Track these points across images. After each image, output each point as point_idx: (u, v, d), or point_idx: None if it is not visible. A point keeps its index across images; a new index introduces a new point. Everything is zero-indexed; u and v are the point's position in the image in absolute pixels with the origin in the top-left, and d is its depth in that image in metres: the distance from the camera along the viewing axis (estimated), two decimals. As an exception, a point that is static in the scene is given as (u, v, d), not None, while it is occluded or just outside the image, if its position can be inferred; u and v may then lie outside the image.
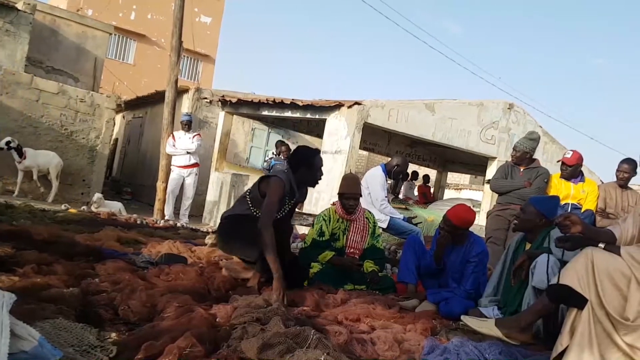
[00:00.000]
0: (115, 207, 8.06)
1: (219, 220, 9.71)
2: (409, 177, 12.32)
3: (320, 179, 3.65)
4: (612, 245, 2.49)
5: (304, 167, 3.52)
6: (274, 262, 3.10)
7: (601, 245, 2.52)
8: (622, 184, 4.96)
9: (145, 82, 18.44)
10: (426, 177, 12.97)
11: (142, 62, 19.85)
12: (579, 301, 2.31)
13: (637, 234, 2.48)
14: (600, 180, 8.88)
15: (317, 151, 3.65)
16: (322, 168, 3.63)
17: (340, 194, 4.20)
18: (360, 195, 4.22)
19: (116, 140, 15.37)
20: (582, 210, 4.84)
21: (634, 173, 4.94)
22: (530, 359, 2.61)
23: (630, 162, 4.89)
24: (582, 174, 5.05)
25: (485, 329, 2.82)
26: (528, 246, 3.49)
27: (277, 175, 3.45)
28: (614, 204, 4.90)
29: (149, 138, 13.10)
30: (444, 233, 3.73)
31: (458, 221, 3.68)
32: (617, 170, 4.96)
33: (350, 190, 4.14)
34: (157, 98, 12.07)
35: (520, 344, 2.75)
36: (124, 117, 15.54)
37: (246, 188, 9.14)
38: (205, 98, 11.27)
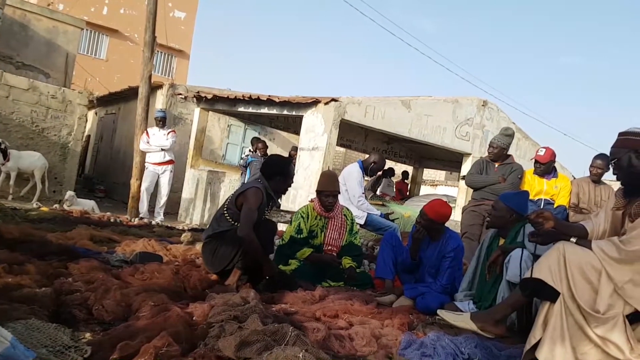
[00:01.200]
0: (88, 205, 7.92)
1: (195, 218, 9.60)
2: (390, 175, 12.38)
3: (290, 186, 3.78)
4: (583, 239, 2.55)
5: (280, 176, 3.61)
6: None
7: (573, 239, 2.58)
8: (596, 179, 5.03)
9: (118, 78, 18.14)
10: (405, 174, 13.02)
11: (115, 57, 19.52)
12: (552, 294, 2.35)
13: (609, 228, 2.54)
14: (573, 176, 9.07)
15: (290, 160, 3.79)
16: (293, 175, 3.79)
17: (318, 191, 4.20)
18: (339, 193, 4.23)
19: (88, 137, 15.10)
20: (555, 205, 4.93)
21: (607, 169, 5.02)
22: (505, 352, 2.66)
23: (603, 157, 4.97)
24: (555, 170, 5.14)
25: (460, 322, 2.86)
26: (502, 241, 3.56)
27: (253, 185, 3.52)
28: (587, 199, 4.98)
29: (122, 135, 12.89)
30: (419, 227, 3.77)
31: (435, 215, 3.72)
32: (591, 166, 5.01)
33: (328, 187, 4.15)
34: (130, 94, 11.89)
35: (494, 337, 2.80)
36: (96, 113, 15.26)
37: (222, 185, 9.13)
38: (180, 94, 11.13)
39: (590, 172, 5.04)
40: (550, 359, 2.28)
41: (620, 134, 2.48)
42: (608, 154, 5.07)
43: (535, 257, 2.68)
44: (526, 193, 4.04)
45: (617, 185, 2.60)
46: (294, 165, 7.72)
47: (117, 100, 13.65)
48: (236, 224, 3.45)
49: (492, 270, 3.41)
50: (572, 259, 2.34)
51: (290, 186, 3.77)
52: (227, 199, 3.64)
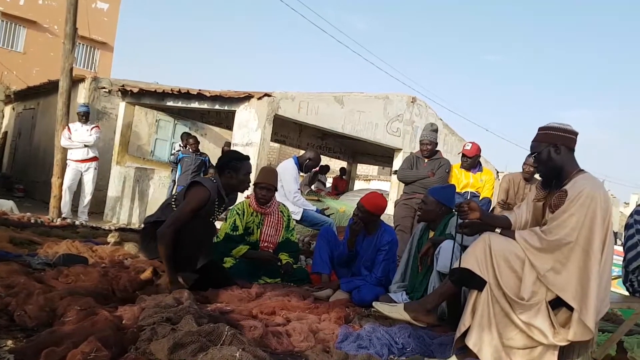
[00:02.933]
0: (6, 205, 7.39)
1: (122, 217, 9.24)
2: (326, 172, 12.40)
3: (248, 185, 3.56)
4: (507, 230, 2.68)
5: (230, 170, 3.41)
6: (170, 269, 3.07)
7: (498, 230, 2.71)
8: (528, 177, 5.24)
9: (37, 71, 17.15)
10: (342, 170, 13.04)
11: (33, 50, 18.41)
12: (479, 283, 2.46)
13: (530, 219, 2.68)
14: (496, 170, 9.54)
15: (245, 157, 3.55)
16: (249, 173, 3.52)
17: (255, 184, 4.16)
18: (275, 188, 4.19)
19: (5, 133, 14.17)
20: (480, 198, 5.16)
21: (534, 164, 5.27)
22: (437, 340, 2.75)
23: None
24: (480, 164, 5.38)
25: (394, 313, 2.93)
26: (432, 234, 3.68)
27: (203, 183, 3.30)
28: (516, 195, 5.22)
29: (42, 131, 12.18)
30: (356, 219, 3.83)
31: (371, 207, 3.81)
32: (524, 164, 5.22)
33: (264, 179, 4.11)
34: (50, 88, 11.26)
35: (427, 325, 2.89)
36: (13, 108, 14.35)
37: (152, 182, 8.84)
38: (104, 88, 10.64)
39: (522, 169, 5.27)
40: (479, 345, 2.39)
41: (540, 129, 2.61)
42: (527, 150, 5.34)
43: (463, 247, 2.80)
44: (452, 186, 4.20)
45: None
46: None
47: (36, 94, 12.89)
48: None
49: (423, 262, 3.53)
50: (497, 249, 2.45)
51: (248, 185, 3.55)
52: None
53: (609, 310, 3.78)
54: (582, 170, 2.54)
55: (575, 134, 2.56)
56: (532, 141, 2.64)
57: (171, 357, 1.92)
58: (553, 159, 2.53)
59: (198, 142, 9.26)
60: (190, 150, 8.95)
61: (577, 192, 2.40)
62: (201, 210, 3.24)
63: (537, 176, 5.40)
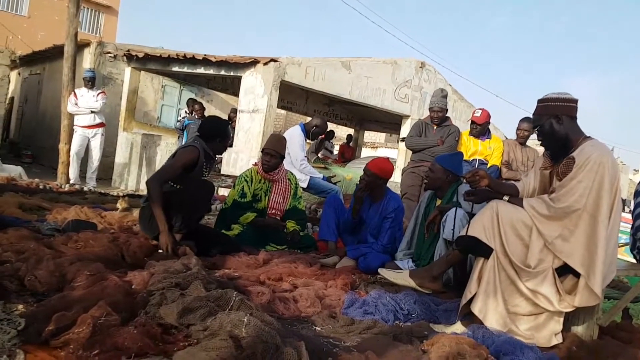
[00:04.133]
0: (15, 171, 7.43)
1: (130, 183, 9.28)
2: (331, 138, 12.31)
3: (228, 146, 3.80)
4: (515, 197, 2.66)
5: (219, 138, 3.57)
6: (160, 217, 3.16)
7: (506, 198, 2.69)
8: (522, 141, 5.27)
9: (42, 35, 16.99)
10: (349, 137, 12.93)
11: (38, 14, 18.18)
12: (486, 251, 2.46)
13: (538, 187, 2.66)
14: (505, 137, 9.46)
15: (227, 122, 3.72)
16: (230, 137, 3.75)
17: (262, 150, 4.18)
18: (281, 156, 4.18)
19: (12, 99, 14.14)
20: (488, 165, 5.12)
21: (533, 131, 5.23)
22: (442, 306, 2.78)
23: (529, 120, 5.18)
24: (489, 131, 5.32)
25: (400, 280, 2.96)
26: (439, 202, 3.67)
27: (192, 145, 3.46)
28: (515, 160, 5.22)
29: (49, 96, 12.14)
30: (362, 185, 3.83)
31: (378, 170, 3.82)
32: (517, 129, 5.24)
33: (270, 145, 4.11)
34: (55, 53, 11.17)
35: (432, 292, 2.92)
36: (19, 73, 14.28)
37: (159, 149, 8.84)
38: (109, 52, 10.54)
39: (517, 135, 5.27)
40: (484, 312, 2.41)
41: (539, 101, 2.55)
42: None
43: (471, 215, 2.79)
44: (460, 154, 4.16)
45: (542, 148, 2.70)
46: (234, 128, 7.56)
47: (41, 59, 12.79)
48: (175, 185, 3.38)
49: (430, 230, 3.53)
50: (505, 217, 2.44)
51: (228, 147, 3.75)
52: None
53: (615, 278, 3.80)
54: (589, 137, 2.50)
55: (575, 101, 2.51)
56: (533, 114, 2.60)
57: (180, 321, 1.94)
58: (556, 130, 2.50)
59: (204, 109, 9.21)
60: (196, 116, 8.91)
61: (585, 158, 2.38)
62: (194, 172, 3.38)
63: (530, 143, 5.38)
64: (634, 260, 3.21)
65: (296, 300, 2.55)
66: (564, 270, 2.41)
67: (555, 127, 2.49)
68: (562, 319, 2.43)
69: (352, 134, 13.02)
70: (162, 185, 3.27)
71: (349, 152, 12.49)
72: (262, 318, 1.92)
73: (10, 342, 1.64)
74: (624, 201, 10.99)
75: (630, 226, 3.19)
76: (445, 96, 5.18)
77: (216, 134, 3.55)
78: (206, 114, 9.25)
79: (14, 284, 2.28)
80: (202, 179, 3.53)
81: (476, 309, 2.42)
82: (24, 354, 1.57)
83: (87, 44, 10.63)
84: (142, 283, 2.33)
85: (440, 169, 3.62)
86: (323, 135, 9.07)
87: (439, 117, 5.09)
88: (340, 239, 4.06)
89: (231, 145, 7.65)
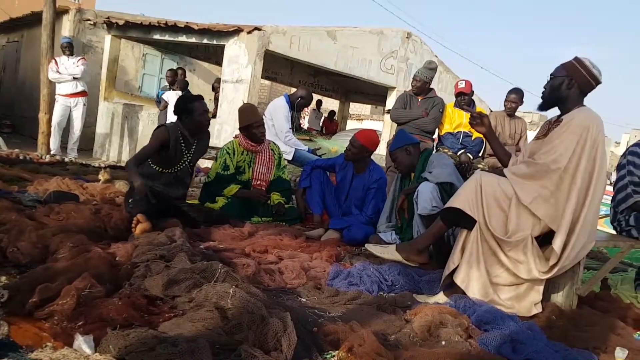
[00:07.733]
0: (-7, 141, 7.28)
1: (112, 154, 9.14)
2: (318, 107, 12.21)
3: (208, 122, 3.70)
4: (500, 170, 2.69)
5: (185, 114, 3.56)
6: (135, 175, 3.19)
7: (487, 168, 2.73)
8: (510, 113, 5.23)
9: (19, 2, 16.39)
10: (332, 113, 12.83)
11: (12, -23, 17.51)
12: (469, 222, 2.48)
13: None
14: (490, 109, 9.48)
15: (195, 97, 3.66)
16: (205, 111, 3.64)
17: (248, 125, 4.05)
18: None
19: (-12, 66, 13.71)
20: (473, 137, 5.13)
21: (521, 102, 5.24)
22: (425, 277, 2.82)
23: (517, 92, 5.17)
24: (474, 103, 5.32)
25: (387, 254, 2.98)
26: (413, 177, 3.69)
27: (163, 125, 3.60)
28: (503, 132, 5.21)
29: (27, 64, 11.82)
30: (348, 155, 3.91)
31: (365, 141, 3.85)
32: (506, 100, 5.19)
33: (256, 117, 4.06)
34: (33, 20, 10.81)
35: (418, 265, 2.95)
36: (-5, 40, 13.81)
37: (141, 119, 8.70)
38: (89, 20, 10.23)
39: (505, 106, 5.22)
40: (467, 282, 2.45)
41: (574, 59, 2.55)
42: (521, 89, 5.28)
43: (440, 185, 2.96)
44: (400, 130, 4.17)
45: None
46: (217, 99, 7.42)
47: (19, 26, 12.39)
48: (153, 165, 3.47)
49: (401, 216, 3.57)
50: (488, 189, 2.46)
51: (208, 121, 3.69)
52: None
53: (595, 249, 3.87)
54: (584, 106, 2.53)
55: (597, 80, 2.52)
56: (560, 64, 2.60)
57: (166, 293, 1.94)
58: (561, 90, 2.53)
59: (185, 78, 8.90)
60: (178, 87, 8.59)
61: (570, 119, 2.44)
62: (169, 151, 3.45)
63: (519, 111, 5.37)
64: (614, 232, 3.27)
65: (281, 272, 2.57)
66: (544, 240, 2.45)
67: (563, 87, 2.52)
68: (542, 289, 2.48)
69: (336, 108, 12.95)
70: (139, 167, 3.34)
71: (332, 127, 12.43)
72: (248, 289, 1.93)
73: (-7, 314, 1.63)
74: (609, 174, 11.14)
75: (611, 198, 3.24)
76: (433, 69, 5.14)
77: (180, 110, 3.57)
78: (190, 86, 9.03)
79: (-4, 256, 2.25)
80: (179, 178, 3.58)
81: (459, 279, 2.46)
82: (8, 326, 1.55)
83: (66, 11, 10.30)
84: (126, 255, 2.32)
85: (401, 152, 3.64)
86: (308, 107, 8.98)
87: (417, 87, 5.06)
88: (325, 211, 4.07)
89: (215, 117, 7.56)
